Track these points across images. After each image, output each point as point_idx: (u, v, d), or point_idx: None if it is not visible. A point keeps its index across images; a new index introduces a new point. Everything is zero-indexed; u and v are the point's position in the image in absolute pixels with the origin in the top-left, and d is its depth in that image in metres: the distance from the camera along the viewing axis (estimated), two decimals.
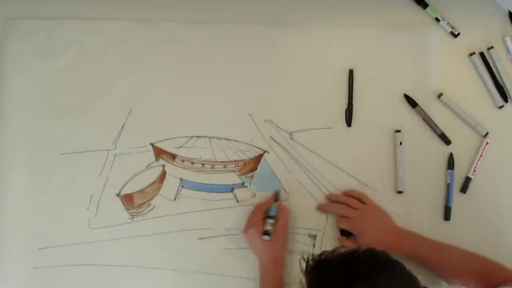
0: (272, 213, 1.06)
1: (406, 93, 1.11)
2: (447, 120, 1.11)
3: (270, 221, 1.05)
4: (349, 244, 1.06)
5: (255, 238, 1.05)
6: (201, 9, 1.15)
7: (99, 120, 1.12)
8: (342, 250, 0.82)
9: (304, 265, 0.84)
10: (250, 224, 1.06)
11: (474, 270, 1.01)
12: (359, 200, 1.09)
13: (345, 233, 1.08)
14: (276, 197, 1.10)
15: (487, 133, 1.11)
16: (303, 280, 0.83)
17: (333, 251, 0.83)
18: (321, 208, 1.10)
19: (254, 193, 1.11)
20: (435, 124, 1.10)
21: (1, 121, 1.13)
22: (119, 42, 1.13)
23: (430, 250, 1.04)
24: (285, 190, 1.11)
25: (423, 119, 1.10)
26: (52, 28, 1.13)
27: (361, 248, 0.81)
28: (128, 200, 1.12)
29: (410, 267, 0.82)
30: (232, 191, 1.12)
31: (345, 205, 1.08)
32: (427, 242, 1.05)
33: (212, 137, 1.12)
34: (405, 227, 1.07)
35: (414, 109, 1.11)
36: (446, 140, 1.11)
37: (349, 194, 1.09)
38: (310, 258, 0.83)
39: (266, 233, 1.03)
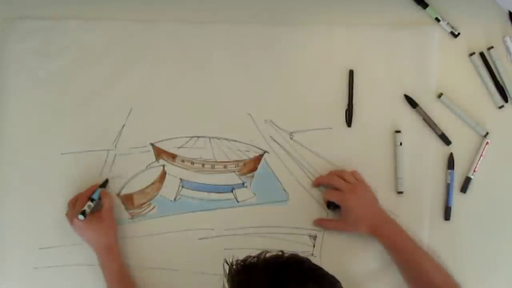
0: (94, 196, 1.07)
1: (406, 94, 1.11)
2: (447, 120, 1.11)
3: (89, 203, 1.06)
4: (333, 225, 1.09)
5: (79, 226, 1.05)
6: (201, 9, 1.14)
7: (99, 120, 1.12)
8: (268, 255, 0.82)
9: (227, 269, 0.83)
10: (71, 211, 1.07)
11: (436, 284, 1.01)
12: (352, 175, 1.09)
13: (331, 207, 1.09)
14: (102, 184, 1.10)
15: (487, 133, 1.11)
16: (226, 285, 0.82)
17: (258, 255, 0.82)
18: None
19: (254, 193, 1.11)
20: (435, 124, 1.10)
21: (1, 121, 1.12)
22: (119, 42, 1.13)
23: (406, 247, 1.04)
24: (285, 190, 1.11)
25: (423, 119, 1.10)
26: (52, 28, 1.13)
27: (286, 254, 0.82)
28: (128, 200, 1.12)
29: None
30: (232, 191, 1.12)
31: (338, 177, 1.08)
32: (407, 238, 1.05)
33: (212, 137, 1.12)
34: (405, 227, 1.07)
35: (415, 109, 1.11)
36: (446, 140, 1.11)
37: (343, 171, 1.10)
38: (234, 262, 0.82)
39: (82, 213, 1.04)
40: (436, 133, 1.11)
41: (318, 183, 1.10)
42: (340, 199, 1.07)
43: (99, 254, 1.07)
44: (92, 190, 1.09)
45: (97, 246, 1.07)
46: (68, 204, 1.09)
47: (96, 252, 1.08)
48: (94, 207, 1.07)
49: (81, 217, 1.04)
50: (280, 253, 0.83)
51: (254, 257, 0.82)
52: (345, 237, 1.09)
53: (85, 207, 1.05)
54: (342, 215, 1.07)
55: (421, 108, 1.10)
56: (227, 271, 0.83)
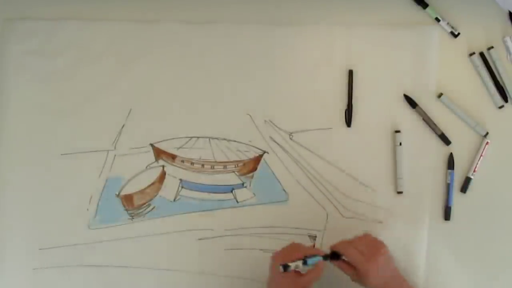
0: (309, 261, 0.95)
1: (406, 93, 1.11)
2: (447, 120, 1.11)
3: (300, 264, 0.94)
4: (346, 270, 0.98)
5: (275, 268, 0.96)
6: (201, 9, 1.14)
7: (99, 120, 1.12)
8: None
9: None
10: (282, 253, 0.98)
11: None
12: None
13: (335, 258, 0.99)
14: (325, 256, 0.98)
15: (487, 133, 1.11)
16: None
17: None
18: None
19: (254, 194, 1.12)
20: (435, 124, 1.10)
21: (1, 121, 1.13)
22: (119, 43, 1.13)
23: None
24: (285, 191, 1.11)
25: (423, 119, 1.10)
26: (52, 28, 1.13)
27: None
28: (128, 200, 1.12)
29: None
30: (232, 191, 1.12)
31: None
32: None
33: (212, 138, 1.12)
34: (405, 227, 1.08)
35: (414, 109, 1.11)
36: (446, 140, 1.11)
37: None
38: None
39: (285, 266, 0.93)
40: (436, 133, 1.11)
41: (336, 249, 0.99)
42: (359, 264, 0.96)
43: None
44: (313, 252, 0.98)
45: None
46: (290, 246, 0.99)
47: None
48: (299, 267, 0.95)
49: (280, 268, 0.92)
50: None
51: None
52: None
53: (293, 266, 0.93)
54: (357, 272, 0.97)
55: (420, 108, 1.10)
56: None
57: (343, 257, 0.97)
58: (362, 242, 0.99)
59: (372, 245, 0.98)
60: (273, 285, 0.98)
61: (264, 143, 1.12)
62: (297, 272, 0.95)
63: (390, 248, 1.07)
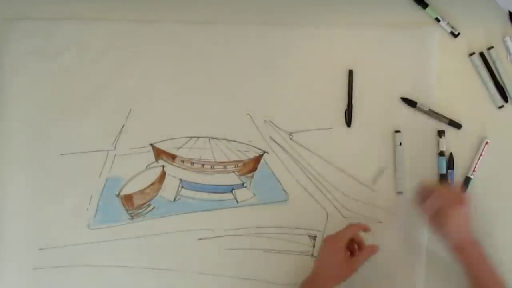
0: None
1: (405, 94, 1.11)
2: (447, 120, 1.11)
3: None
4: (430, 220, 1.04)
5: (334, 251, 0.99)
6: (201, 9, 1.15)
7: (99, 120, 1.12)
8: None
9: None
10: (338, 236, 1.00)
11: None
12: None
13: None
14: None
15: (487, 133, 1.11)
16: None
17: None
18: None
19: (254, 194, 1.12)
20: (440, 114, 1.10)
21: (1, 121, 1.13)
22: (119, 43, 1.13)
23: (483, 277, 1.00)
24: (284, 191, 1.11)
25: (427, 114, 1.10)
26: (52, 28, 1.14)
27: None
28: (128, 200, 1.12)
29: None
30: (232, 191, 1.12)
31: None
32: (488, 269, 1.00)
33: (212, 138, 1.12)
34: (405, 227, 1.08)
35: (415, 108, 1.10)
36: (456, 125, 1.11)
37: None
38: None
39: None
40: (444, 122, 1.10)
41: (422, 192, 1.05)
42: (444, 210, 1.00)
43: (315, 280, 0.99)
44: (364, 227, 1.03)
45: (322, 274, 0.99)
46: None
47: (314, 274, 1.00)
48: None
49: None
50: None
51: None
52: None
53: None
54: (435, 221, 1.02)
55: (421, 105, 1.10)
56: None
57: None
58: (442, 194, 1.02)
59: (451, 197, 1.01)
60: (324, 270, 0.99)
61: (264, 143, 1.12)
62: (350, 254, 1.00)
63: (390, 248, 1.08)
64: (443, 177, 1.10)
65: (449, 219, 1.00)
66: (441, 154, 1.10)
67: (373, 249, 1.01)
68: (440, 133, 1.11)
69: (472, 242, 1.02)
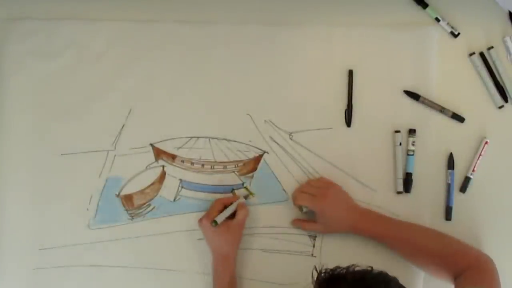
0: (232, 207, 1.06)
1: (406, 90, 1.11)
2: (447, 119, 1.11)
3: (225, 213, 1.05)
4: (310, 227, 1.08)
5: (207, 229, 1.05)
6: (201, 9, 1.14)
7: (99, 120, 1.12)
8: (357, 268, 0.84)
9: (315, 275, 0.86)
10: (206, 214, 1.05)
11: (435, 251, 1.01)
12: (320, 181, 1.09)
13: (304, 210, 1.08)
14: (243, 195, 1.10)
15: (486, 133, 1.11)
16: None
17: (347, 267, 0.85)
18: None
19: (254, 194, 1.11)
20: (443, 107, 1.10)
21: (1, 121, 1.13)
22: (119, 43, 1.13)
23: (391, 229, 1.05)
24: (285, 191, 1.11)
25: (430, 106, 1.10)
26: (52, 28, 1.13)
27: (374, 271, 0.84)
28: (127, 200, 1.12)
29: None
30: (232, 191, 1.12)
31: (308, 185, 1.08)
32: (388, 221, 1.06)
33: (212, 138, 1.12)
34: None
35: (419, 101, 1.10)
36: (459, 119, 1.11)
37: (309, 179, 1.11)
38: (323, 270, 0.85)
39: (214, 222, 1.03)
40: (447, 115, 1.10)
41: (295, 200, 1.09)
42: (313, 205, 1.06)
43: (216, 260, 1.06)
44: (230, 200, 1.08)
45: (216, 252, 1.07)
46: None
47: (213, 257, 1.07)
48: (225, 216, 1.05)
49: (212, 224, 1.03)
50: (370, 268, 0.84)
51: (343, 268, 0.85)
52: (345, 237, 1.09)
53: (218, 217, 1.04)
54: (318, 219, 1.07)
55: (424, 98, 1.10)
56: (315, 278, 0.86)
57: (303, 208, 1.07)
58: (311, 185, 1.08)
59: (320, 186, 1.07)
60: (213, 244, 1.06)
61: (264, 143, 1.12)
62: (225, 221, 1.05)
63: None
64: (408, 176, 1.10)
65: (328, 198, 1.05)
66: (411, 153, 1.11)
67: (243, 213, 1.06)
68: (410, 131, 1.11)
69: (362, 211, 1.06)
